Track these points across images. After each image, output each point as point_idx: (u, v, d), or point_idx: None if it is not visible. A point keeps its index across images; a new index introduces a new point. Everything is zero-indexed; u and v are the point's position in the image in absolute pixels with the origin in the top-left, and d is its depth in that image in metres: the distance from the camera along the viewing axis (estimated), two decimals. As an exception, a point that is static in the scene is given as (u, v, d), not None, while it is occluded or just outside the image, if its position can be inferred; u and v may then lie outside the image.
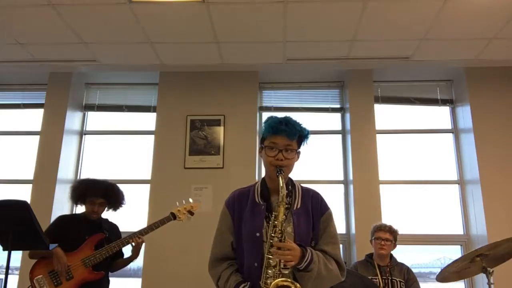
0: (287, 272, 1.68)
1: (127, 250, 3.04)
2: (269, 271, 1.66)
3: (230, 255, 1.86)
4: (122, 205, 3.08)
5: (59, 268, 2.73)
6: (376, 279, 3.10)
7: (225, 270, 1.81)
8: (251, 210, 1.82)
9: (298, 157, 1.85)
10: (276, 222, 1.68)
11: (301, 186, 1.93)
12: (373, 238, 3.24)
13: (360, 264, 3.28)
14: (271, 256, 1.66)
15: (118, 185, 3.14)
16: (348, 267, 3.42)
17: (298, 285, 1.63)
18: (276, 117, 1.83)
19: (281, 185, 1.69)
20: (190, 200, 3.11)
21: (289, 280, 1.64)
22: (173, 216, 2.98)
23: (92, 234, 2.90)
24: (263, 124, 1.87)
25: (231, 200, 1.90)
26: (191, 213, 3.06)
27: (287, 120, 1.80)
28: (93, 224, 2.97)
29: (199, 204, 3.13)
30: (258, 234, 1.75)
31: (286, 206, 1.73)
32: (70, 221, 3.02)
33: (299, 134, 1.81)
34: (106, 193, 2.96)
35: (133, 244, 2.88)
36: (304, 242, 1.73)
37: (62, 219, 3.05)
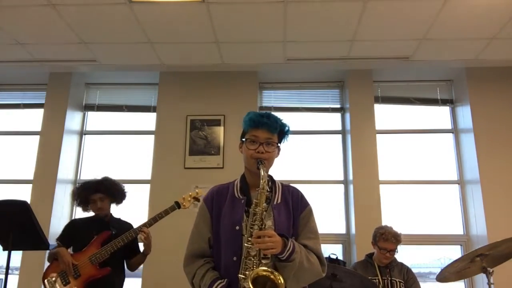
0: (266, 262, 1.66)
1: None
2: (248, 262, 1.63)
3: (207, 252, 1.83)
4: (123, 196, 3.11)
5: (63, 267, 2.78)
6: (376, 279, 3.10)
7: (200, 267, 1.77)
8: (230, 204, 1.81)
9: (278, 152, 1.85)
10: (256, 210, 1.67)
11: (281, 183, 1.92)
12: (377, 245, 3.16)
13: (359, 265, 3.26)
14: (250, 245, 1.63)
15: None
16: (348, 267, 3.42)
17: (277, 273, 1.60)
18: (256, 112, 1.86)
19: (262, 174, 1.69)
20: (196, 186, 3.13)
21: (269, 269, 1.60)
22: (177, 205, 2.98)
23: (100, 233, 2.94)
24: (243, 119, 1.86)
25: (210, 196, 1.89)
26: (197, 199, 3.06)
27: (268, 114, 1.82)
28: (101, 223, 3.01)
29: (203, 190, 3.14)
30: (237, 228, 1.73)
31: (267, 193, 1.72)
32: (80, 223, 3.09)
33: (280, 129, 1.82)
34: (99, 187, 3.01)
35: (142, 237, 2.90)
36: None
37: (72, 222, 3.17)
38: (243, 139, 1.86)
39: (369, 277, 3.05)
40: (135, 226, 3.00)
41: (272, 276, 1.59)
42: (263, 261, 1.65)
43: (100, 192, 3.00)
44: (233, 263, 1.69)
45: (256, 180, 1.74)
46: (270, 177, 1.88)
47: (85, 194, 3.01)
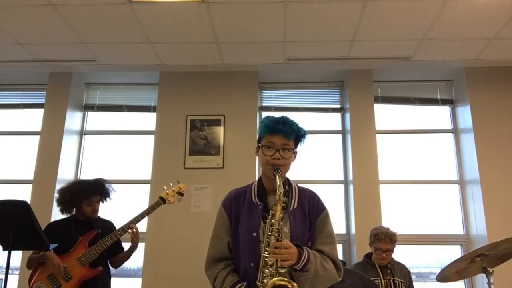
0: (283, 271, 1.68)
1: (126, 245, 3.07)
2: (266, 271, 1.65)
3: (227, 256, 1.86)
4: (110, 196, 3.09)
5: (54, 269, 2.73)
6: (377, 279, 3.07)
7: (221, 271, 1.81)
8: (248, 210, 1.82)
9: (295, 157, 1.85)
10: (273, 221, 1.68)
11: (298, 186, 1.92)
12: (372, 246, 3.17)
13: (359, 266, 3.23)
14: (268, 255, 1.65)
15: (118, 185, 3.16)
16: (348, 267, 3.41)
17: (295, 284, 1.62)
18: (273, 117, 1.84)
19: (278, 183, 1.69)
20: (178, 181, 3.13)
21: (286, 279, 1.62)
22: (163, 200, 2.99)
23: (84, 233, 2.91)
24: (259, 124, 1.86)
25: (228, 200, 1.90)
26: (180, 194, 3.09)
27: (284, 120, 1.80)
28: (84, 223, 2.97)
29: (185, 185, 3.17)
30: (254, 234, 1.74)
31: (283, 205, 1.72)
32: (61, 226, 3.01)
33: (296, 134, 1.81)
34: (101, 190, 3.00)
35: (131, 234, 2.89)
36: (301, 242, 1.73)
37: (51, 225, 3.08)
38: (260, 144, 1.85)
39: (372, 278, 3.04)
40: (117, 224, 3.00)
41: (289, 286, 1.61)
42: (280, 270, 1.66)
43: (99, 195, 2.98)
44: (251, 268, 1.71)
45: (273, 185, 1.76)
46: (287, 180, 1.89)
47: (87, 194, 2.94)
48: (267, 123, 1.80)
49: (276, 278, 1.62)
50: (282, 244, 1.63)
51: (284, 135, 1.77)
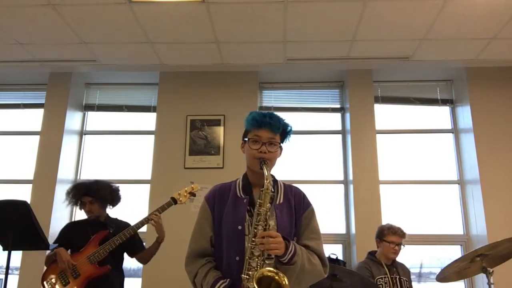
0: (270, 262, 1.64)
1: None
2: (252, 262, 1.61)
3: (208, 251, 1.82)
4: (114, 199, 3.08)
5: (62, 266, 2.78)
6: (385, 277, 3.07)
7: (202, 267, 1.76)
8: (232, 203, 1.80)
9: (280, 152, 1.84)
10: (260, 210, 1.66)
11: (283, 183, 1.91)
12: (384, 240, 3.13)
13: (367, 264, 3.17)
14: (254, 245, 1.61)
15: (118, 184, 3.17)
16: (349, 267, 3.42)
17: (282, 274, 1.58)
18: (259, 112, 1.85)
19: (266, 174, 1.68)
20: (191, 182, 3.13)
21: (273, 270, 1.58)
22: (174, 201, 2.99)
23: (97, 233, 2.95)
24: (245, 119, 1.86)
25: (212, 195, 1.88)
26: (193, 194, 3.09)
27: (271, 114, 1.82)
28: (98, 224, 3.02)
29: (198, 185, 3.15)
30: (240, 227, 1.72)
31: (272, 194, 1.70)
32: (77, 225, 3.12)
33: (282, 129, 1.82)
34: (88, 190, 2.99)
35: (152, 223, 2.91)
36: (287, 236, 1.70)
37: (68, 224, 3.18)
38: (245, 139, 1.85)
39: (381, 276, 3.04)
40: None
41: (276, 277, 1.57)
42: (267, 261, 1.63)
43: (89, 196, 2.98)
44: (236, 263, 1.68)
45: (258, 180, 1.75)
46: (272, 177, 1.87)
47: (75, 196, 3.01)
48: (255, 116, 1.82)
49: (264, 269, 1.58)
50: (269, 233, 1.61)
51: (270, 129, 1.78)
